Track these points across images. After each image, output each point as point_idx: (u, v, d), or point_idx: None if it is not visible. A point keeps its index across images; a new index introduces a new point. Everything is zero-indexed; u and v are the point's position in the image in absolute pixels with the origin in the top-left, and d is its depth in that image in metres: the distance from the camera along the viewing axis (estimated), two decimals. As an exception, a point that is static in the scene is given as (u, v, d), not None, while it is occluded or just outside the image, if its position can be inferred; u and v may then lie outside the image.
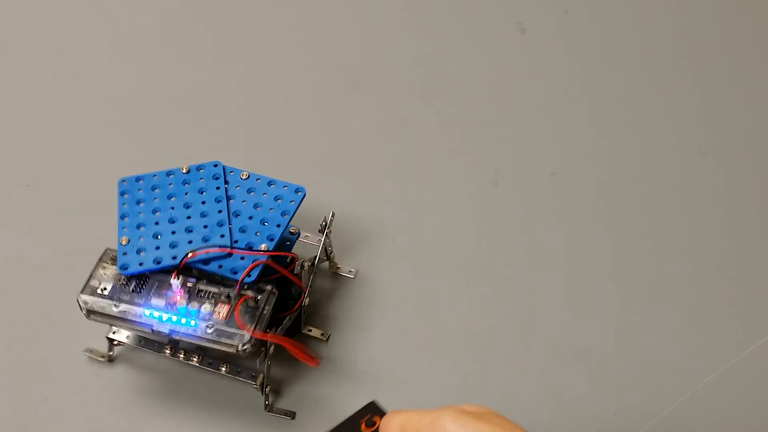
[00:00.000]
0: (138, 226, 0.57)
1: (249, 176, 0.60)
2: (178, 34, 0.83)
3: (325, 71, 0.80)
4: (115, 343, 0.59)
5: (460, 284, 0.66)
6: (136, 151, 0.74)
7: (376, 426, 0.44)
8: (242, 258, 0.55)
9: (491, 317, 0.64)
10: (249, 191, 0.59)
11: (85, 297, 0.53)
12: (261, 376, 0.57)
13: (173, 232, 0.56)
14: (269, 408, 0.58)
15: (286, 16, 0.85)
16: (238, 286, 0.52)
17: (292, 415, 0.59)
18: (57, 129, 0.75)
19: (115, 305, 0.52)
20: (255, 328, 0.51)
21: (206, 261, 0.54)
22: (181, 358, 0.57)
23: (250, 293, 0.53)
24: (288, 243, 0.60)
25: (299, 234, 0.61)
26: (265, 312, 0.52)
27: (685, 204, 0.72)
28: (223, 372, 0.57)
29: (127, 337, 0.59)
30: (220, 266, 0.54)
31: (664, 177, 0.73)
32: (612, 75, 0.81)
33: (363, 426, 0.45)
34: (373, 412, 0.46)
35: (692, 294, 0.66)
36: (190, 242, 0.56)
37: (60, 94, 0.78)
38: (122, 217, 0.57)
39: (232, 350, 0.51)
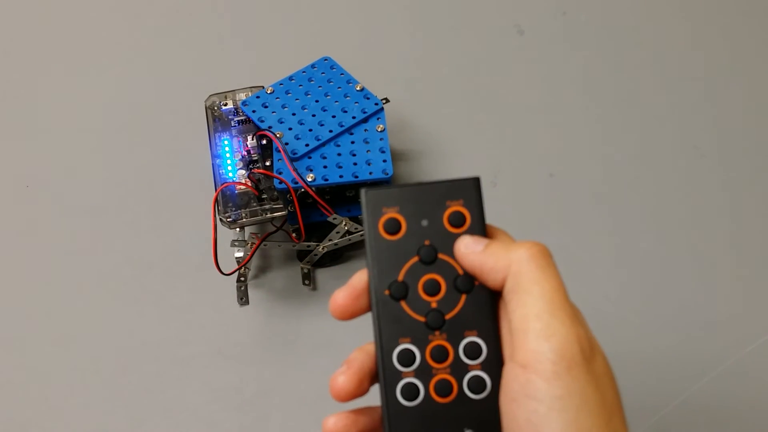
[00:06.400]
0: (286, 92, 0.65)
1: (384, 129, 0.63)
2: (178, 38, 0.83)
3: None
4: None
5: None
6: (135, 152, 0.74)
7: (464, 227, 0.34)
8: (294, 170, 0.60)
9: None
10: (365, 141, 0.63)
11: (213, 97, 0.65)
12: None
13: (293, 114, 0.64)
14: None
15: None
16: (257, 169, 0.60)
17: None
18: (57, 130, 0.75)
19: (218, 116, 0.64)
20: (237, 212, 0.60)
21: (277, 149, 0.61)
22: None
23: (264, 192, 0.60)
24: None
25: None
26: (249, 208, 0.60)
27: (683, 205, 0.72)
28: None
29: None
30: (279, 160, 0.61)
31: (662, 178, 0.73)
32: (610, 76, 0.80)
33: (446, 219, 0.35)
34: (468, 199, 0.34)
35: (690, 294, 0.66)
36: (290, 129, 0.63)
37: (60, 95, 0.78)
38: (290, 78, 0.66)
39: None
